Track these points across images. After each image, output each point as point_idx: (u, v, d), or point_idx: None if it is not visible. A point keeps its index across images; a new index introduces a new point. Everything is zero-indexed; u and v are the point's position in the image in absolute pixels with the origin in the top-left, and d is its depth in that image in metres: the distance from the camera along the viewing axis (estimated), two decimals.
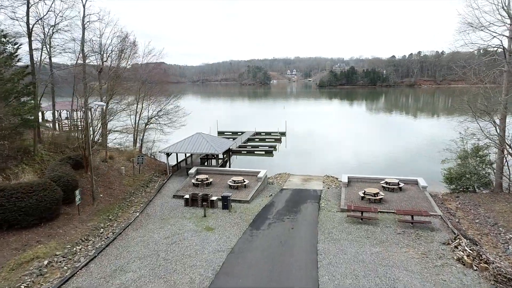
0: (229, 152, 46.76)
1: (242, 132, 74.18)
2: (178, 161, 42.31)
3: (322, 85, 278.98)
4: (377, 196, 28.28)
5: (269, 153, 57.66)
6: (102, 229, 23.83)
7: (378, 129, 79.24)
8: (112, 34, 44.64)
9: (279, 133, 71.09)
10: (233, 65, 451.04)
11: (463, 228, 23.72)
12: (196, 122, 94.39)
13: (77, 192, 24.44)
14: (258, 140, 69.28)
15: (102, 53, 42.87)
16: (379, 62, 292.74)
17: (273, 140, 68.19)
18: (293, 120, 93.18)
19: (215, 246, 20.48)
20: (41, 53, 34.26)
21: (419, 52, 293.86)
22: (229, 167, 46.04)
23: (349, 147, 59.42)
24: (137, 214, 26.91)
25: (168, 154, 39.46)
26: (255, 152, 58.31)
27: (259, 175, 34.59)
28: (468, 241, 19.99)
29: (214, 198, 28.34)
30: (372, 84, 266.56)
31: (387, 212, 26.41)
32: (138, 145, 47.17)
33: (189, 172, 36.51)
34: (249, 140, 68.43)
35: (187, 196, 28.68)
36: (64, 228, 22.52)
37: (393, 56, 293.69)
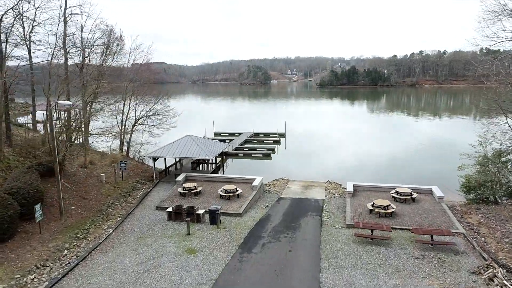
0: (222, 156, 43.11)
1: (240, 133, 70.77)
2: (167, 166, 38.74)
3: (322, 84, 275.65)
4: (388, 209, 24.64)
5: (267, 156, 54.09)
6: (66, 251, 20.21)
7: (382, 130, 75.61)
8: (95, 27, 40.84)
9: (278, 134, 67.57)
10: (233, 65, 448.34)
11: (492, 250, 20.07)
12: (192, 123, 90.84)
13: (37, 206, 20.83)
14: (256, 141, 65.73)
15: (83, 48, 39.32)
16: (380, 61, 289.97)
17: (272, 141, 64.64)
18: (293, 120, 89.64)
19: (195, 277, 16.84)
20: (6, 45, 30.56)
21: (421, 52, 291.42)
22: (223, 172, 42.43)
23: (352, 150, 55.84)
24: (111, 231, 23.26)
25: (154, 159, 35.85)
26: (252, 155, 54.74)
27: (254, 183, 30.96)
28: (505, 271, 16.35)
29: (201, 211, 24.70)
30: (373, 84, 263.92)
31: (400, 228, 22.79)
32: (125, 148, 43.56)
33: (177, 179, 32.89)
34: (246, 141, 64.91)
35: (170, 209, 25.06)
36: (18, 251, 18.91)
37: (395, 56, 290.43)
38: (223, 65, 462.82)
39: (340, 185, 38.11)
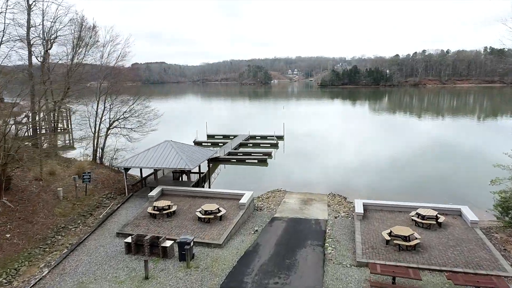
0: (209, 164, 37.47)
1: (235, 136, 65.46)
2: (143, 176, 33.25)
3: (324, 84, 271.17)
4: (411, 240, 19.07)
5: (262, 162, 48.58)
6: None
7: (388, 132, 69.94)
8: (57, 12, 35.24)
9: (275, 137, 62.08)
10: (233, 65, 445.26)
11: None
12: (185, 124, 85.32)
13: None
14: (251, 145, 60.31)
15: (46, 38, 33.85)
16: (382, 61, 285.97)
17: (269, 145, 59.16)
18: (293, 121, 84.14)
19: None
20: None
21: (424, 51, 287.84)
22: (209, 183, 36.81)
23: (357, 155, 50.21)
24: (46, 271, 17.69)
25: (126, 169, 30.33)
26: (246, 161, 49.26)
27: (241, 201, 25.37)
28: None
29: (168, 243, 19.11)
30: (375, 84, 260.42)
31: (428, 269, 17.21)
32: (99, 154, 38.07)
33: (149, 194, 27.32)
34: (241, 145, 59.49)
35: (129, 239, 19.49)
36: None
37: (397, 55, 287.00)
38: (224, 65, 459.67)
39: (345, 198, 32.75)
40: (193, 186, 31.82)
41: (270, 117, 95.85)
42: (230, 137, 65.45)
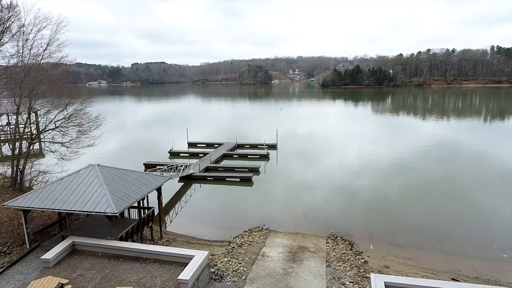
0: (159, 195, 26.97)
1: (219, 144, 55.90)
2: (62, 214, 23.25)
3: (325, 84, 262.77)
4: None
5: (246, 181, 38.79)
6: None
7: (402, 141, 59.70)
8: None
9: (266, 145, 52.29)
10: (234, 65, 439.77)
11: None
12: (166, 129, 75.44)
13: None
14: (237, 156, 50.67)
15: None
16: (385, 61, 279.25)
17: (258, 156, 49.35)
18: (290, 125, 74.43)
19: None
20: None
21: (428, 50, 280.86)
22: (160, 223, 26.51)
23: (366, 171, 40.21)
24: None
25: (24, 211, 20.29)
26: (227, 179, 39.52)
27: (182, 275, 15.17)
28: None
29: None
30: (378, 84, 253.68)
31: None
32: (19, 179, 28.14)
33: (43, 257, 17.24)
34: (224, 156, 49.88)
35: None
36: None
37: (401, 55, 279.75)
38: (224, 65, 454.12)
39: (352, 245, 23.49)
40: (130, 231, 21.73)
41: (265, 120, 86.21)
42: (215, 145, 55.99)
